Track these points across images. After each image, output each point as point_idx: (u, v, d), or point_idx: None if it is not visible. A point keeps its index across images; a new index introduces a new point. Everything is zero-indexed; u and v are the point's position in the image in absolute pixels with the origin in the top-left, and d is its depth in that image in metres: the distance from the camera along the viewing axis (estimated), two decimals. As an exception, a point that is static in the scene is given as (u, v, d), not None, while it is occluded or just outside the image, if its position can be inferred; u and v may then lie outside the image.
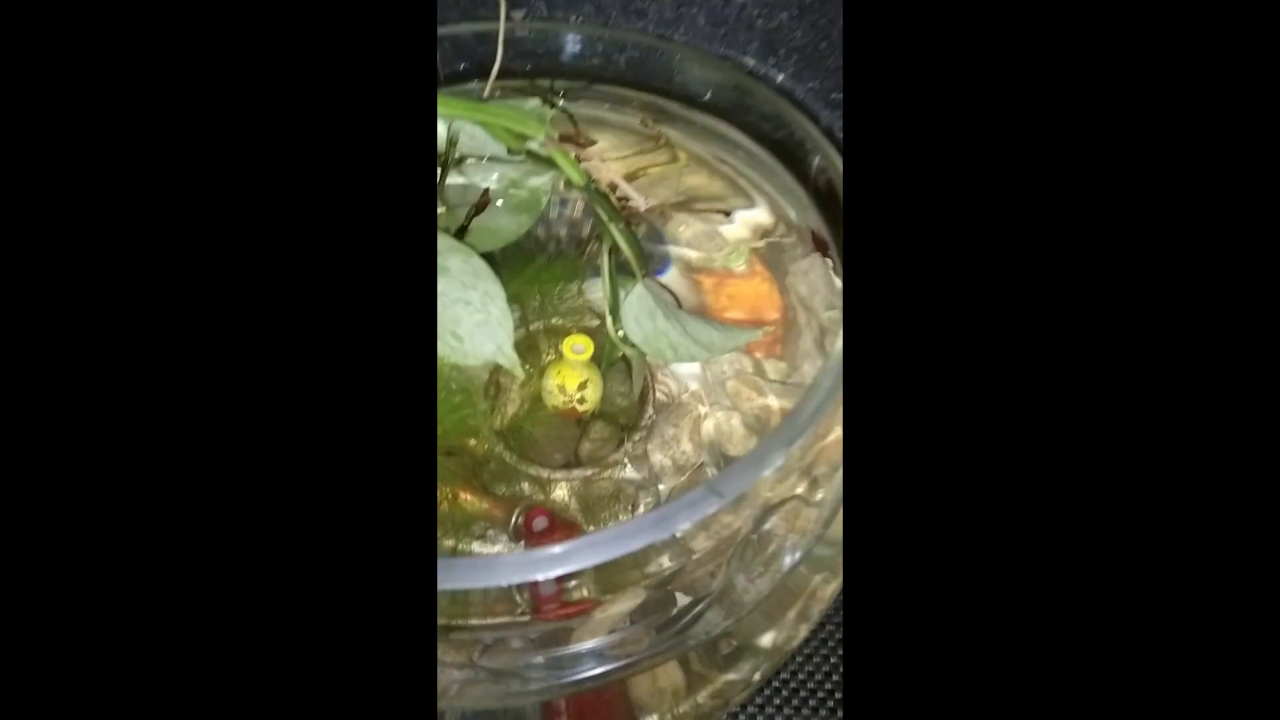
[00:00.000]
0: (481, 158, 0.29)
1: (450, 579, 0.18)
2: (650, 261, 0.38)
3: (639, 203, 0.25)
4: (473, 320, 0.26)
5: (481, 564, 0.19)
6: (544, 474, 0.35)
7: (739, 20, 0.35)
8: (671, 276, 0.36)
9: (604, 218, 0.30)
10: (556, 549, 0.18)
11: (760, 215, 0.35)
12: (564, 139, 0.25)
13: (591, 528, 0.35)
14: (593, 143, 0.25)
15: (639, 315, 0.31)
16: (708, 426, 0.39)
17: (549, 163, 0.30)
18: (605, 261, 0.32)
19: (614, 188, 0.32)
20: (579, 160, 0.27)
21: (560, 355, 0.33)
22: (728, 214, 0.33)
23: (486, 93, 0.27)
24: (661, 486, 0.38)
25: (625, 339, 0.32)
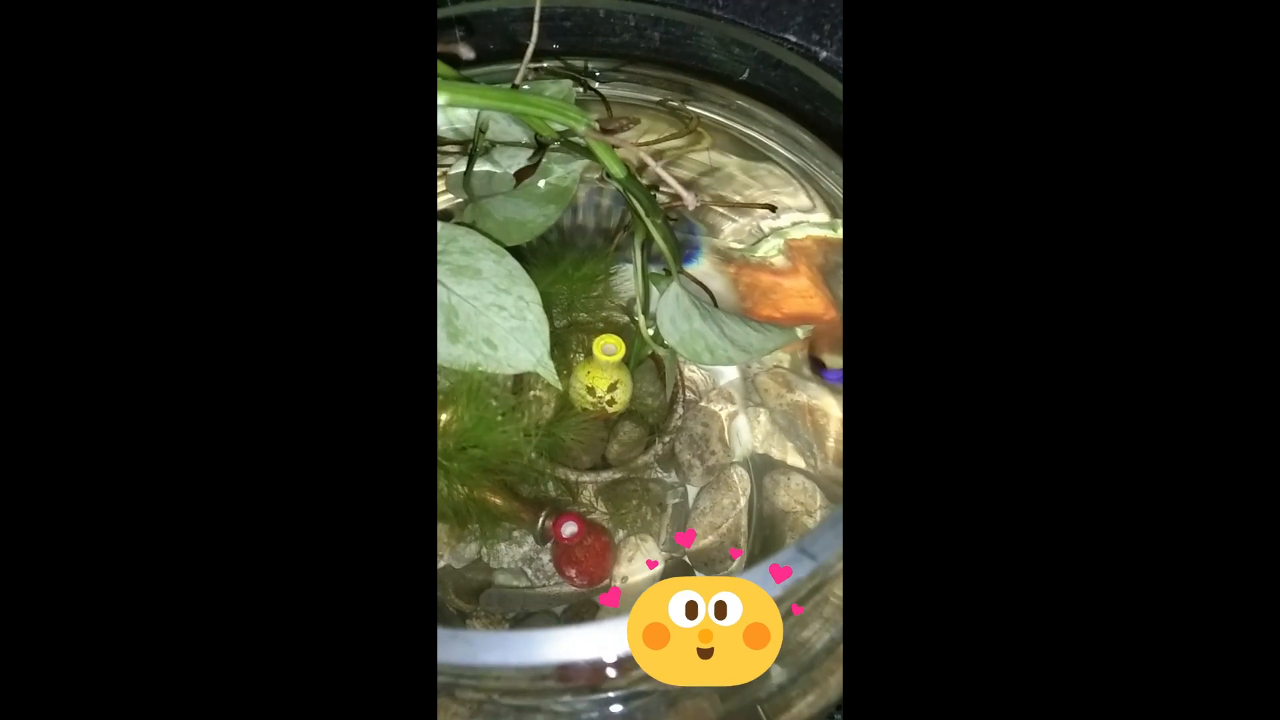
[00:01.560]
0: (515, 144, 0.27)
1: (485, 653, 0.16)
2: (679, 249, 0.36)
3: (688, 200, 0.23)
4: (507, 326, 0.24)
5: (519, 640, 0.15)
6: (571, 476, 0.33)
7: (782, -7, 0.32)
8: (704, 268, 0.34)
9: (641, 212, 0.28)
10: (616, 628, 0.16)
11: (801, 201, 0.33)
12: (602, 128, 0.23)
13: (621, 532, 0.34)
14: (637, 121, 0.23)
15: (674, 315, 0.29)
16: (738, 425, 0.37)
17: (584, 151, 0.28)
18: (637, 257, 0.30)
19: (643, 168, 0.30)
20: (615, 148, 0.25)
21: (589, 355, 0.31)
22: (773, 209, 0.31)
23: (520, 77, 0.24)
24: (690, 487, 0.37)
25: (657, 338, 0.31)
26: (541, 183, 0.29)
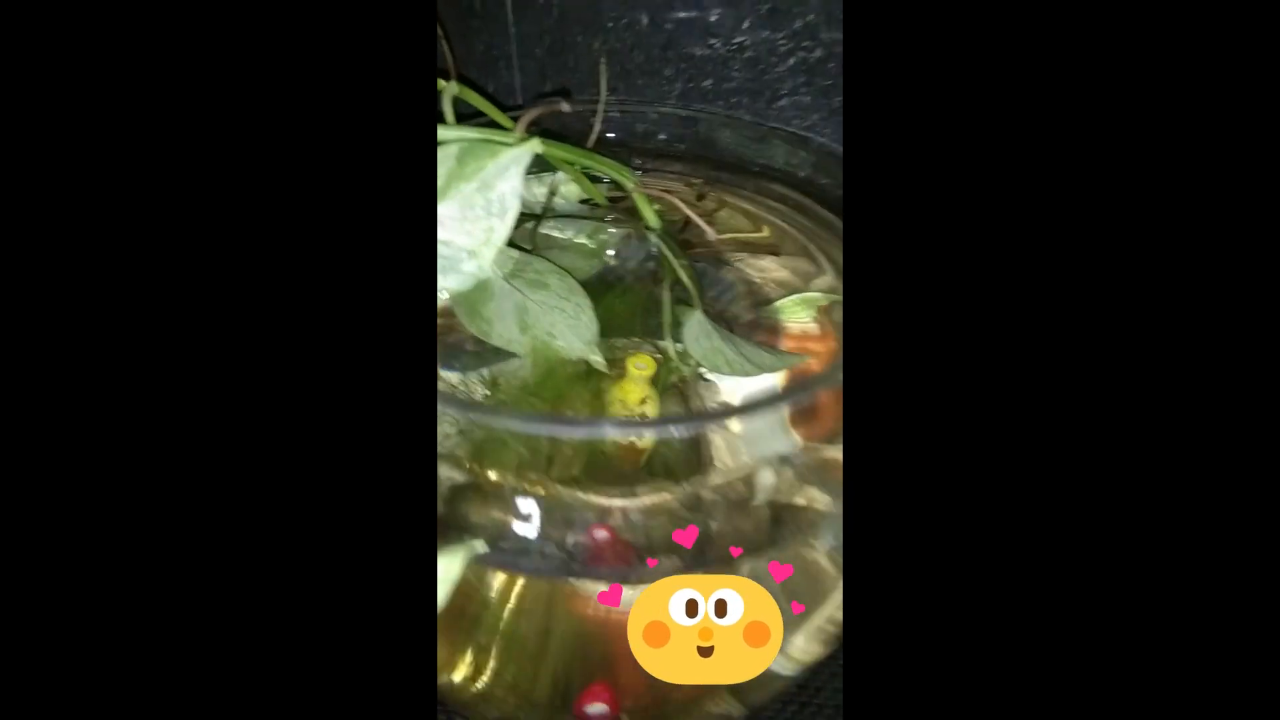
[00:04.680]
0: (569, 215, 0.35)
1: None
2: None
3: (709, 234, 0.30)
4: (566, 323, 0.30)
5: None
6: (603, 501, 0.37)
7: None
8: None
9: (668, 255, 0.35)
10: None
11: (830, 281, 0.39)
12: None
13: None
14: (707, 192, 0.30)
15: (698, 336, 0.35)
16: (760, 476, 0.41)
17: (631, 215, 0.35)
18: (665, 293, 0.37)
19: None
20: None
21: (623, 375, 0.36)
22: (777, 253, 0.38)
23: (590, 142, 0.33)
24: (713, 523, 0.40)
25: (684, 359, 0.36)
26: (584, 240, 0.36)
